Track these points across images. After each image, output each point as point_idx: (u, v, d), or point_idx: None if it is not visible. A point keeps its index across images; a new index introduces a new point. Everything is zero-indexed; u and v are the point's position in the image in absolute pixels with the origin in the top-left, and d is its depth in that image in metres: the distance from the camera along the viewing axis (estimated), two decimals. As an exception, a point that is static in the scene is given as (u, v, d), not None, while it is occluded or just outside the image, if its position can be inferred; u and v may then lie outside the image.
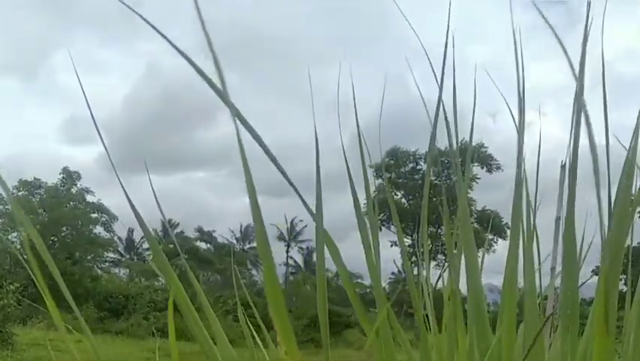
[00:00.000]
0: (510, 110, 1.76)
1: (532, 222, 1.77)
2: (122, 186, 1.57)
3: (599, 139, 1.46)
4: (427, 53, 1.71)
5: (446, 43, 1.63)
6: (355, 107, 1.69)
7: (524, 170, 1.69)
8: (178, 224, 74.36)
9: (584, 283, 1.78)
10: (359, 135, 1.71)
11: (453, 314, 1.75)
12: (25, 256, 1.57)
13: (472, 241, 1.72)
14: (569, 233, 1.48)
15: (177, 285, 1.58)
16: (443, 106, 1.68)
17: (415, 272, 2.00)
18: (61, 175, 51.58)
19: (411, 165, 58.09)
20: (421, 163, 58.27)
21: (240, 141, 1.07)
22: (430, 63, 1.68)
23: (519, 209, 1.62)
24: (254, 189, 1.14)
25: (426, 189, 1.82)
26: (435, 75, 1.65)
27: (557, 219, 1.70)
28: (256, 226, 1.17)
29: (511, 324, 1.57)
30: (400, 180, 56.53)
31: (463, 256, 1.74)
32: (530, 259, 1.66)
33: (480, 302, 1.67)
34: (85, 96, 1.49)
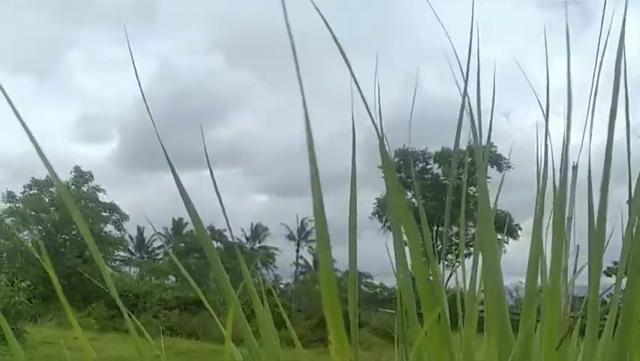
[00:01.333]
0: (542, 108, 1.75)
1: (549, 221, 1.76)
2: (179, 183, 1.56)
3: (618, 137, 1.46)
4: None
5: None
6: (379, 108, 1.68)
7: (540, 170, 1.69)
8: (187, 223, 74.43)
9: (608, 290, 1.77)
10: (381, 135, 1.70)
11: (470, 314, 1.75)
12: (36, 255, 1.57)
13: (493, 240, 1.71)
14: (598, 234, 1.47)
15: (230, 289, 1.57)
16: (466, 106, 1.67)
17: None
18: (73, 174, 51.70)
19: (421, 165, 58.08)
20: (431, 163, 58.25)
21: (308, 129, 1.07)
22: (459, 62, 1.67)
23: (542, 209, 1.61)
24: (319, 185, 1.14)
25: (449, 191, 1.81)
26: (454, 74, 1.65)
27: (569, 219, 1.69)
28: (317, 226, 1.17)
29: (552, 325, 1.56)
30: (410, 180, 56.45)
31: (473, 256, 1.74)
32: (557, 259, 1.64)
33: (501, 302, 1.66)
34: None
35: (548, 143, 1.67)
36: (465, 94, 1.67)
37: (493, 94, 1.83)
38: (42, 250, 1.37)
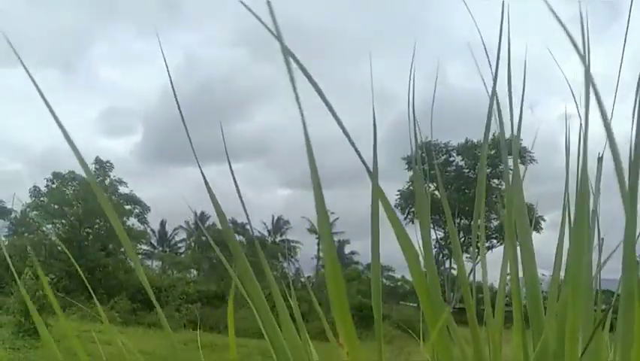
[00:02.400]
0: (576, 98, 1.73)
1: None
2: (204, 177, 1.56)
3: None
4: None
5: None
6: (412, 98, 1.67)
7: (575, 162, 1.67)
8: (210, 216, 74.69)
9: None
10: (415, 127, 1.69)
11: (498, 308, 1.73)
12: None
13: (529, 232, 1.69)
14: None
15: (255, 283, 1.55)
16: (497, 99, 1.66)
17: (447, 265, 1.98)
18: (94, 165, 51.87)
19: (444, 157, 57.86)
20: (454, 155, 58.02)
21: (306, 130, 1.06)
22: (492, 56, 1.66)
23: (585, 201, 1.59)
24: (319, 181, 1.12)
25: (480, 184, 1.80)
26: (478, 67, 1.63)
27: (593, 212, 1.67)
28: (320, 223, 1.15)
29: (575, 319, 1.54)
30: (433, 172, 56.08)
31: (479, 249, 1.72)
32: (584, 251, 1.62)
33: (536, 295, 1.64)
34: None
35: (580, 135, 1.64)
36: (494, 89, 1.66)
37: (523, 85, 1.80)
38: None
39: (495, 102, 1.68)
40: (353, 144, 1.19)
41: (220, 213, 1.56)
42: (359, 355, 1.21)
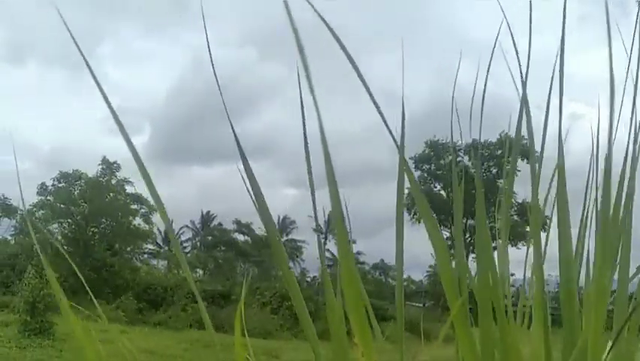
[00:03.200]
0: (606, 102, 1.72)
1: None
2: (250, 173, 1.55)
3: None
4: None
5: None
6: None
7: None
8: (215, 216, 74.73)
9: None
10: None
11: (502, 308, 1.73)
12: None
13: (569, 230, 1.67)
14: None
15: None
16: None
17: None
18: (100, 165, 51.94)
19: (450, 158, 57.65)
20: (461, 155, 57.68)
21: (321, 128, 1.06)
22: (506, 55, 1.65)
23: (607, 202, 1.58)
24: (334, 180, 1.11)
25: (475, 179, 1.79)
26: (489, 66, 1.63)
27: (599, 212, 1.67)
28: (336, 221, 1.15)
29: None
30: (440, 172, 56.15)
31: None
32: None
33: (572, 297, 1.62)
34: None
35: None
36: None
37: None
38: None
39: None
40: (390, 131, 1.18)
41: (264, 209, 1.53)
42: (374, 355, 1.21)
